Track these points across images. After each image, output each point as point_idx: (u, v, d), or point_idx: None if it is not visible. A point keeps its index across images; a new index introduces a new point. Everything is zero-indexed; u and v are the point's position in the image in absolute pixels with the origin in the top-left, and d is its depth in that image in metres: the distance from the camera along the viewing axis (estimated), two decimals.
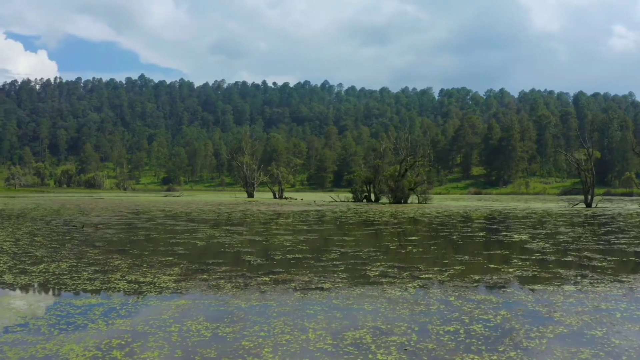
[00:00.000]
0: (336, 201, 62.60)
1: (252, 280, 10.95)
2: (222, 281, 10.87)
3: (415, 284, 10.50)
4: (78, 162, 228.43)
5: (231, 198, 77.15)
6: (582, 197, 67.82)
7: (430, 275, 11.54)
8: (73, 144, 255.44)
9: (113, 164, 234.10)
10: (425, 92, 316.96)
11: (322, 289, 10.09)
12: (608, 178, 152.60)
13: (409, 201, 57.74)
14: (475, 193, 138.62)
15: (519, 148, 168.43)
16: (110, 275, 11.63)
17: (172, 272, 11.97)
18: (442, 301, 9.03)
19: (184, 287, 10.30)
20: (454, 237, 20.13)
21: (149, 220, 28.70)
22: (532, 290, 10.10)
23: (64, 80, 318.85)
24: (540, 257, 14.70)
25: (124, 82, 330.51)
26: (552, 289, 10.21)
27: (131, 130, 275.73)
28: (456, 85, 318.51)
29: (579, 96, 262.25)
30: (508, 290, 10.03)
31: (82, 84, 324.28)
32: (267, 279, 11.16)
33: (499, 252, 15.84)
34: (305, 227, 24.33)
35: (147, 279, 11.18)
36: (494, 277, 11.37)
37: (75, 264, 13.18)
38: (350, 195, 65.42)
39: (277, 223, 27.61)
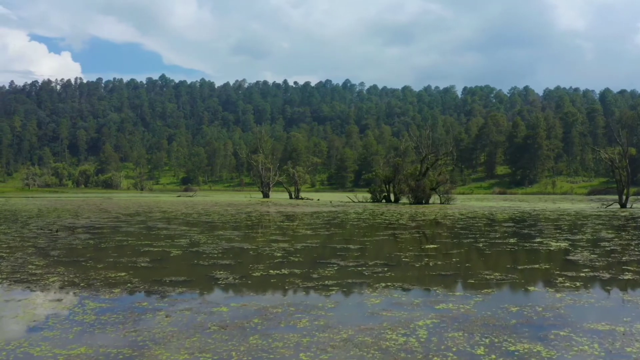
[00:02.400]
0: (353, 201, 59.50)
1: (202, 313, 7.94)
2: (161, 313, 7.90)
3: (429, 321, 7.41)
4: (98, 162, 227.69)
5: (245, 198, 74.39)
6: (613, 196, 64.11)
7: (450, 304, 8.44)
8: (93, 144, 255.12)
9: (133, 164, 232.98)
10: (448, 91, 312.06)
11: (294, 328, 7.06)
12: (638, 177, 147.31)
13: (430, 202, 54.48)
14: (500, 193, 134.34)
15: (545, 146, 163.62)
16: (24, 300, 8.81)
17: (108, 296, 9.14)
18: (466, 356, 5.94)
19: (101, 324, 7.33)
20: (480, 244, 16.95)
21: (139, 223, 25.93)
22: (596, 331, 6.97)
23: (84, 81, 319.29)
24: (591, 273, 11.55)
25: (144, 82, 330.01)
26: (623, 329, 7.08)
27: (151, 131, 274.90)
28: (479, 84, 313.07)
29: (605, 93, 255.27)
30: (561, 332, 6.90)
31: (102, 85, 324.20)
32: (225, 309, 8.17)
33: (537, 266, 12.65)
34: (309, 232, 21.32)
35: (66, 305, 8.44)
36: (538, 308, 8.24)
37: None
38: (368, 196, 62.29)
39: (280, 227, 24.62)
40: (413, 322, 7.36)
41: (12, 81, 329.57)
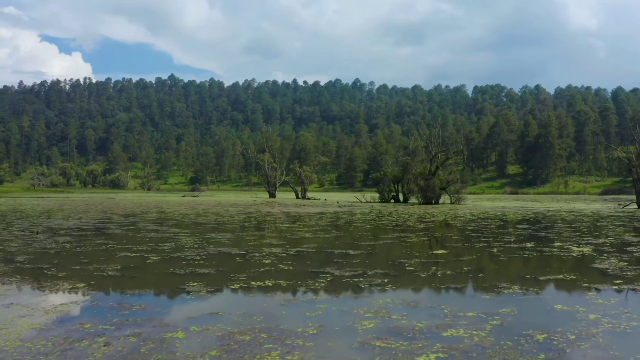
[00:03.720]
0: (361, 201, 57.86)
1: (150, 340, 6.36)
2: (101, 340, 6.32)
3: (433, 356, 5.80)
4: (106, 162, 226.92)
5: (251, 198, 72.89)
6: (628, 196, 62.14)
7: (461, 331, 6.80)
8: (101, 144, 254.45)
9: (141, 164, 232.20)
10: (459, 90, 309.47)
11: None
12: None
13: (440, 202, 52.75)
14: (512, 193, 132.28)
15: (557, 145, 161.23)
16: None
17: (50, 314, 7.61)
18: None
19: (21, 354, 5.78)
20: (494, 249, 15.28)
21: (129, 225, 24.42)
22: None
23: (93, 81, 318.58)
24: (625, 286, 9.92)
25: (153, 82, 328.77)
26: None
27: (160, 130, 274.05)
28: (490, 83, 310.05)
29: (617, 92, 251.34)
30: None
31: (111, 84, 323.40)
32: (180, 335, 6.60)
33: (561, 276, 10.97)
34: (307, 235, 19.70)
35: None
36: (570, 336, 6.59)
37: None
38: (377, 195, 60.54)
39: (278, 229, 23.02)
40: (413, 357, 5.75)
41: (21, 81, 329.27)
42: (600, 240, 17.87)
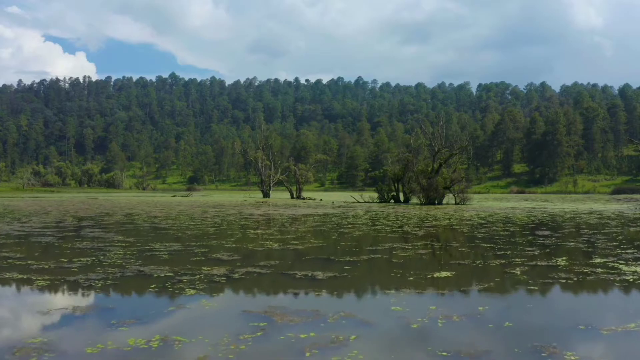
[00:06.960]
0: (358, 202, 53.85)
1: None
2: None
3: None
4: (104, 161, 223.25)
5: (242, 198, 68.98)
6: None
7: None
8: (100, 143, 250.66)
9: (140, 163, 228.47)
10: (463, 87, 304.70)
11: None
12: None
13: (443, 202, 48.74)
14: (518, 192, 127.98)
15: (565, 143, 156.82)
16: None
17: None
18: None
19: None
20: (517, 270, 11.19)
21: (71, 230, 20.51)
22: None
23: (93, 80, 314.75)
24: None
25: (154, 80, 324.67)
26: None
27: (159, 129, 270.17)
28: (494, 81, 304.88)
29: (625, 89, 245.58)
30: None
31: (111, 83, 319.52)
32: None
33: (632, 325, 6.92)
34: (275, 246, 15.64)
35: None
36: None
37: None
38: (376, 195, 56.44)
39: (245, 237, 18.87)
40: None
41: (20, 80, 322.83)
42: None
